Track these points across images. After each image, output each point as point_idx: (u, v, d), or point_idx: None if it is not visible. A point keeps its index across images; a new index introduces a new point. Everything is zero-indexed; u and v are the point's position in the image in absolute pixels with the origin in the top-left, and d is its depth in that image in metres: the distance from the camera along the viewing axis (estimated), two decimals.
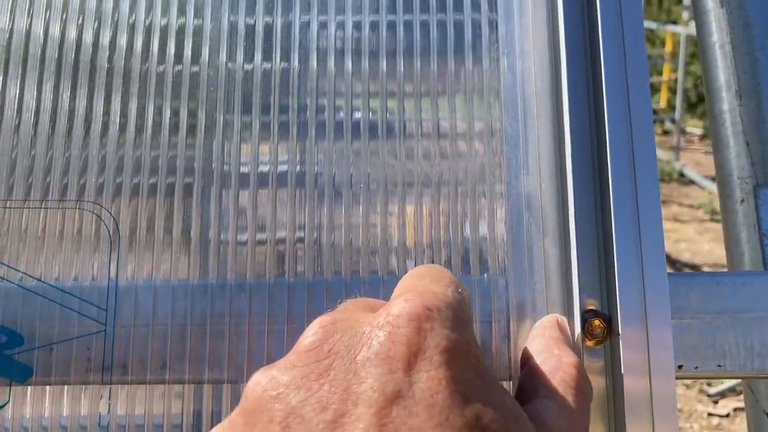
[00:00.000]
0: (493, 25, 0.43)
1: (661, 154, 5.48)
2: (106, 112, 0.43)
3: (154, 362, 0.39)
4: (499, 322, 0.39)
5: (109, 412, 0.39)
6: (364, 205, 0.41)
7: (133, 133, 0.42)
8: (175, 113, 0.43)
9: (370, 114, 0.42)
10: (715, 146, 0.50)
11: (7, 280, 0.40)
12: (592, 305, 0.38)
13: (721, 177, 0.49)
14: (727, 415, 2.80)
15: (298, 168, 0.42)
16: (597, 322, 0.37)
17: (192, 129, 0.43)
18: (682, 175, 5.18)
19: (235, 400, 0.39)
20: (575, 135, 0.39)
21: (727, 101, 0.49)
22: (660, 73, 6.22)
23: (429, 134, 0.42)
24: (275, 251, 0.41)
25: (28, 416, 0.39)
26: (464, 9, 0.43)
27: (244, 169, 0.42)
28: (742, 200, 0.47)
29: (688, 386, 3.09)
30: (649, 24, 5.84)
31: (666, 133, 6.25)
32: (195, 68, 0.43)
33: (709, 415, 2.84)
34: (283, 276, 0.40)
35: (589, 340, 0.37)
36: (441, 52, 0.43)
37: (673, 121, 5.76)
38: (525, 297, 0.39)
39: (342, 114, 0.43)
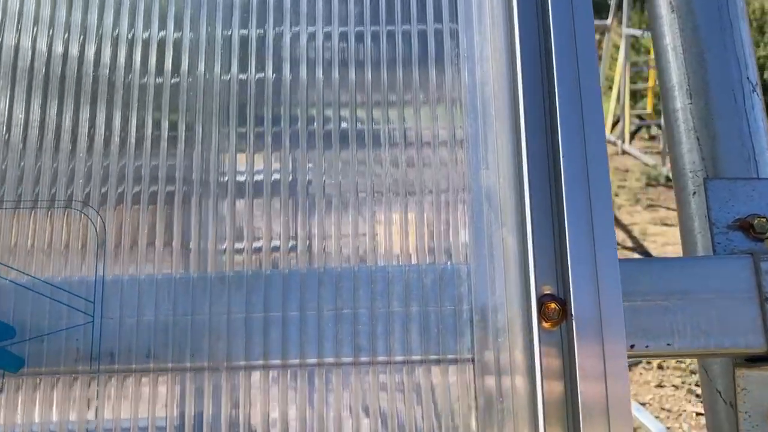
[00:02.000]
0: (454, 34, 0.46)
1: (648, 158, 5.54)
2: (92, 124, 0.45)
3: (139, 351, 0.42)
4: (461, 306, 0.41)
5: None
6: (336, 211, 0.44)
7: (118, 143, 0.45)
8: (157, 125, 0.45)
9: (341, 123, 0.45)
10: (669, 143, 0.53)
11: (1, 277, 0.42)
12: (548, 290, 0.41)
13: (676, 172, 0.52)
14: None
15: (273, 177, 0.44)
16: (553, 305, 0.40)
17: (173, 140, 0.45)
18: (668, 179, 5.23)
19: (216, 389, 0.41)
20: (531, 132, 0.42)
21: (679, 100, 0.52)
22: (646, 80, 6.29)
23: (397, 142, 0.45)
24: (251, 258, 0.43)
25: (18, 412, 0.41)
26: (427, 19, 0.46)
27: (222, 179, 0.45)
28: (694, 192, 0.50)
29: (677, 387, 3.12)
30: (633, 31, 5.91)
31: (652, 138, 6.31)
32: (190, 79, 0.46)
33: (698, 414, 2.87)
34: (260, 269, 0.43)
35: (546, 322, 0.40)
36: (407, 62, 0.46)
37: (659, 126, 5.82)
38: (486, 283, 0.42)
39: (315, 124, 0.45)
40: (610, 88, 6.01)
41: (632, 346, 0.41)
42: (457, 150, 0.44)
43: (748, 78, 0.50)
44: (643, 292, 0.42)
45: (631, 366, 3.33)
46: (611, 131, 5.74)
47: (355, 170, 0.44)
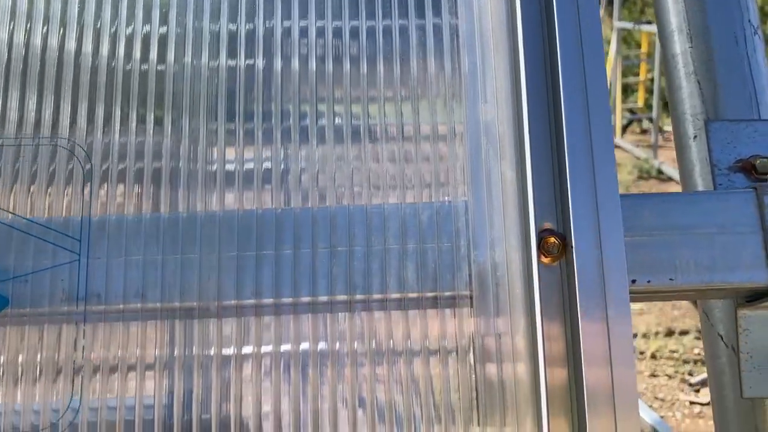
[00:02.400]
0: None
1: (640, 152, 5.55)
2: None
3: (127, 291, 0.40)
4: (459, 242, 0.40)
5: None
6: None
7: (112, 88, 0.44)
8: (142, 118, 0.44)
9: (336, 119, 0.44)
10: (669, 89, 0.52)
11: None
12: (548, 225, 0.40)
13: (675, 117, 0.51)
14: (709, 403, 2.84)
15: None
16: (552, 239, 0.39)
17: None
18: (660, 172, 5.25)
19: (204, 336, 0.40)
20: (530, 64, 0.41)
21: (679, 44, 0.51)
22: (637, 74, 6.30)
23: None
24: (242, 197, 0.42)
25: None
26: None
27: (213, 127, 0.43)
28: (695, 136, 0.49)
29: (670, 376, 3.13)
30: (624, 25, 5.92)
31: (644, 132, 6.33)
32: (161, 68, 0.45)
33: (691, 403, 2.88)
34: (251, 209, 0.42)
35: (545, 257, 0.39)
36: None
37: (650, 120, 5.83)
38: (483, 219, 0.41)
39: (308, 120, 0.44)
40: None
41: (634, 281, 0.40)
42: (456, 84, 0.43)
43: (749, 21, 0.49)
44: (645, 226, 0.41)
45: None
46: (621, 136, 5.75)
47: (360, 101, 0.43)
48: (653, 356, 3.33)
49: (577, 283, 0.38)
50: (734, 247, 0.40)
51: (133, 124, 0.43)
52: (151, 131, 0.43)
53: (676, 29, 0.51)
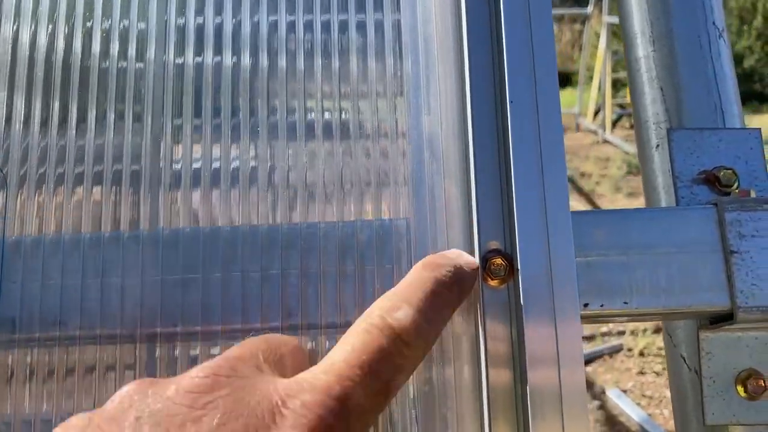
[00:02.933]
0: None
1: (629, 147, 5.54)
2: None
3: (44, 318, 0.37)
4: (400, 265, 0.38)
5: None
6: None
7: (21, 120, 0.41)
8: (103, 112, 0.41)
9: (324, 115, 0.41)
10: (632, 94, 0.49)
11: None
12: (494, 245, 0.37)
13: (638, 125, 0.49)
14: None
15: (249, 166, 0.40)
16: (498, 260, 0.36)
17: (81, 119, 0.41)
18: None
19: (140, 361, 0.37)
20: (475, 73, 0.38)
21: (641, 48, 0.48)
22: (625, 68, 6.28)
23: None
24: (166, 210, 0.39)
25: None
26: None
27: (172, 167, 0.40)
28: (658, 145, 0.47)
29: (658, 374, 3.13)
30: (614, 19, 5.90)
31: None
32: (140, 65, 0.42)
33: None
34: (178, 224, 0.39)
35: (492, 279, 0.36)
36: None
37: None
38: (426, 239, 0.38)
39: (296, 115, 0.41)
40: (591, 77, 6.01)
41: (586, 305, 0.37)
42: (397, 99, 0.40)
43: (714, 23, 0.46)
44: (598, 245, 0.38)
45: (613, 354, 3.33)
46: (593, 120, 5.73)
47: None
48: (641, 353, 3.32)
49: (524, 310, 0.35)
50: (693, 267, 0.38)
51: (54, 123, 0.40)
52: (73, 133, 0.40)
53: (638, 32, 0.48)
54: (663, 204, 0.46)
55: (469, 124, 0.38)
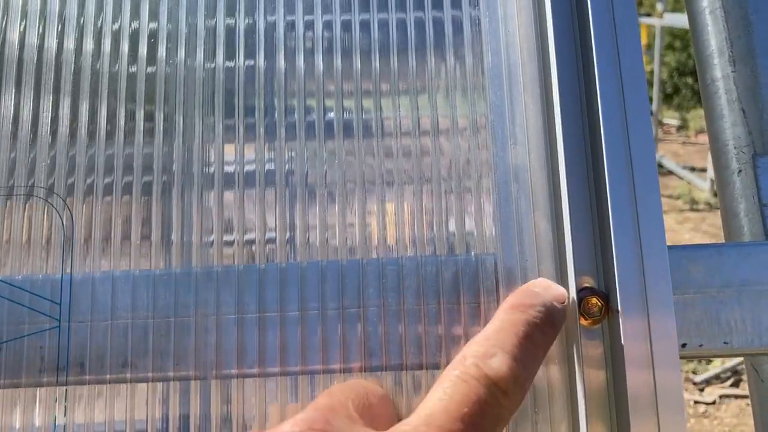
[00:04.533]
0: None
1: None
2: (56, 113, 0.39)
3: (113, 359, 0.36)
4: (489, 303, 0.36)
5: (66, 417, 0.36)
6: (341, 204, 0.38)
7: (86, 132, 0.39)
8: (132, 115, 0.39)
9: (345, 113, 0.39)
10: (708, 117, 0.47)
11: None
12: (588, 282, 0.35)
13: (716, 149, 0.47)
14: (713, 403, 2.81)
15: (268, 167, 0.39)
16: (594, 300, 0.35)
17: (150, 130, 0.39)
18: (660, 165, 5.20)
19: (204, 397, 0.36)
20: (565, 102, 0.37)
21: (719, 68, 0.46)
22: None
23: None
24: (244, 250, 0.38)
25: None
26: None
27: (208, 169, 0.39)
28: (740, 171, 0.45)
29: None
30: None
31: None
32: (163, 68, 0.40)
33: (696, 402, 2.84)
34: (253, 264, 0.37)
35: (586, 319, 0.35)
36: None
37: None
38: (516, 276, 0.36)
39: (315, 114, 0.39)
40: None
41: (684, 345, 0.36)
42: (480, 134, 0.38)
43: None
44: (695, 283, 0.36)
45: None
46: None
47: (378, 156, 0.38)
48: None
49: (624, 352, 0.33)
50: None
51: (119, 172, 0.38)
52: (140, 190, 0.38)
53: (716, 51, 0.46)
54: (746, 231, 0.44)
55: (560, 155, 0.36)
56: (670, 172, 5.10)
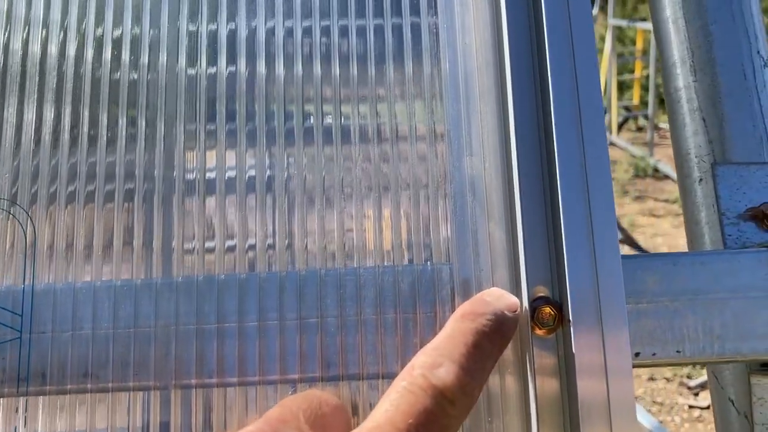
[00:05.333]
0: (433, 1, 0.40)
1: (636, 150, 5.51)
2: (20, 120, 0.40)
3: (74, 370, 0.36)
4: (444, 313, 0.36)
5: (26, 428, 0.36)
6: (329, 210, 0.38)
7: (50, 140, 0.40)
8: (95, 121, 0.40)
9: (324, 119, 0.40)
10: (672, 126, 0.48)
11: None
12: (542, 292, 0.36)
13: (679, 157, 0.47)
14: (708, 407, 2.81)
15: (265, 174, 0.39)
16: (547, 309, 0.35)
17: (113, 139, 0.40)
18: (656, 170, 5.22)
19: (164, 405, 0.36)
20: (519, 112, 0.37)
21: (682, 78, 0.47)
22: (632, 71, 6.26)
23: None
24: (204, 260, 0.38)
25: None
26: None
27: (189, 176, 0.39)
28: (701, 179, 0.45)
29: (668, 379, 3.10)
30: (619, 22, 5.88)
31: (640, 129, 6.29)
32: (153, 75, 0.41)
33: (690, 407, 2.85)
34: (211, 274, 0.38)
35: (540, 329, 0.35)
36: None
37: (646, 117, 5.80)
38: (471, 285, 0.37)
39: (311, 120, 0.40)
40: (616, 89, 5.98)
41: (637, 354, 0.36)
42: (437, 143, 0.39)
43: (758, 52, 0.45)
44: (649, 292, 0.37)
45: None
46: (617, 134, 5.72)
47: (337, 165, 0.39)
48: None
49: (576, 361, 0.34)
50: (748, 313, 0.36)
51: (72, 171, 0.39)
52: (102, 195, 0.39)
53: (678, 61, 0.47)
54: (707, 239, 0.44)
55: (514, 165, 0.37)
56: (666, 177, 5.10)
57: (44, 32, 0.41)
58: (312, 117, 0.39)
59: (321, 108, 0.40)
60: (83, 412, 0.36)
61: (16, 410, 0.36)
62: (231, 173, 0.39)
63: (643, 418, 2.83)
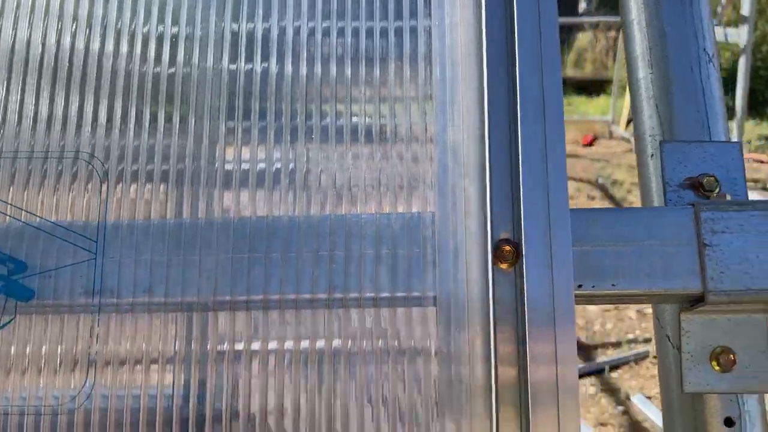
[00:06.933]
0: (428, 2, 0.50)
1: None
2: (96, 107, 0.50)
3: (138, 286, 0.46)
4: (426, 249, 0.46)
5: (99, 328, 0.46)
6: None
7: (119, 121, 0.50)
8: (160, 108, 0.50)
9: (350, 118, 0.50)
10: (633, 110, 0.57)
11: (14, 218, 0.47)
12: (505, 235, 0.45)
13: (638, 137, 0.56)
14: None
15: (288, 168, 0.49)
16: (507, 247, 0.44)
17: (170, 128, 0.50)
18: None
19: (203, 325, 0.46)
20: (492, 88, 0.46)
21: (641, 70, 0.55)
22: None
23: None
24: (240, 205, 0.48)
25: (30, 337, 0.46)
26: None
27: (228, 167, 0.49)
28: (652, 155, 0.54)
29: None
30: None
31: None
32: (186, 70, 0.51)
33: None
34: (246, 217, 0.47)
35: (502, 263, 0.44)
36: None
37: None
38: (448, 228, 0.46)
39: (329, 118, 0.50)
40: (625, 86, 5.99)
41: (580, 286, 0.45)
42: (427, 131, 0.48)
43: (705, 49, 0.54)
44: (593, 237, 0.46)
45: (639, 360, 3.35)
46: (625, 128, 5.73)
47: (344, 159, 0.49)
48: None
49: (526, 287, 0.43)
50: (672, 257, 0.45)
51: (146, 127, 0.49)
52: (161, 134, 0.49)
53: (639, 55, 0.56)
54: (655, 203, 0.53)
55: (486, 135, 0.46)
56: None
57: (101, 32, 0.51)
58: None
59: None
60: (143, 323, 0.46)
61: (91, 315, 0.46)
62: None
63: (657, 417, 2.87)
